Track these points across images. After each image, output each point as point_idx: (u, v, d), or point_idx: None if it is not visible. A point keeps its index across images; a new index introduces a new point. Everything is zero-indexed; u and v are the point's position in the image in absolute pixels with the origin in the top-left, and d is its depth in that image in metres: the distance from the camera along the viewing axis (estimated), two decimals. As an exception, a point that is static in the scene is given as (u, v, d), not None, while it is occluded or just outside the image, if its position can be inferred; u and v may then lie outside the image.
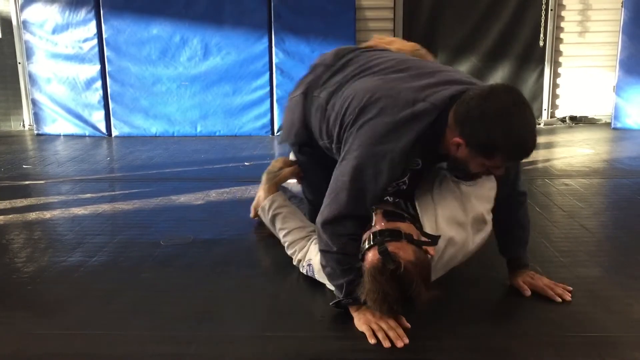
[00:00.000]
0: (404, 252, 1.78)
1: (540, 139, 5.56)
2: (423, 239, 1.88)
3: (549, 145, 5.34)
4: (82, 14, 5.76)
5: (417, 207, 2.04)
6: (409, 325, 1.87)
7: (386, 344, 1.81)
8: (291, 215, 2.54)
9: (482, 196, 2.05)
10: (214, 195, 3.67)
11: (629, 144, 5.30)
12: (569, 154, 4.83)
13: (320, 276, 2.15)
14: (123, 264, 2.56)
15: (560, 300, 2.08)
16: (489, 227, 2.08)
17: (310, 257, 2.26)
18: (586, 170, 4.19)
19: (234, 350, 1.84)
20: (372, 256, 1.81)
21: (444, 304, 1.98)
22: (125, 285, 2.35)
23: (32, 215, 3.29)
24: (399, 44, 2.53)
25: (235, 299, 2.21)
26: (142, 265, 2.54)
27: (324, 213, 1.98)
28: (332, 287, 2.08)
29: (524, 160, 1.98)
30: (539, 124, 6.24)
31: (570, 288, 2.14)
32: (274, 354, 1.82)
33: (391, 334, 1.83)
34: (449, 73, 2.09)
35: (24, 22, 5.88)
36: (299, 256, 2.37)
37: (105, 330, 1.98)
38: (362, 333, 1.88)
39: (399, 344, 1.80)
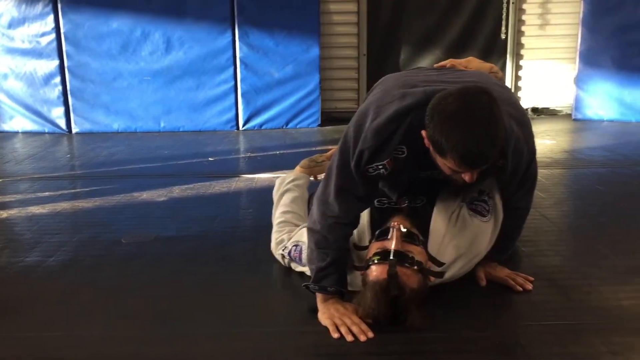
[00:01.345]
0: (411, 280, 1.80)
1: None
2: (430, 266, 1.90)
3: (511, 137, 5.40)
4: (39, 7, 5.61)
5: (430, 228, 2.04)
6: (370, 320, 1.87)
7: (349, 338, 1.81)
8: (301, 201, 2.55)
9: (487, 237, 2.08)
10: (177, 191, 3.62)
11: (589, 135, 5.41)
12: (531, 145, 4.89)
13: (305, 260, 2.13)
14: (83, 263, 2.50)
15: (521, 289, 2.11)
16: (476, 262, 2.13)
17: (298, 239, 2.23)
18: (547, 161, 4.26)
19: (198, 349, 1.82)
20: (379, 273, 1.81)
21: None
22: (85, 285, 2.30)
23: (-12, 215, 3.20)
24: (475, 65, 2.41)
25: (198, 297, 2.18)
26: (102, 264, 2.49)
27: (319, 189, 2.02)
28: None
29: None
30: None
31: (532, 278, 2.17)
32: (239, 351, 1.80)
33: (354, 329, 1.83)
34: (474, 77, 2.04)
35: (-22, 16, 5.70)
36: (284, 236, 2.34)
37: (64, 331, 1.93)
38: (326, 328, 1.87)
39: (362, 338, 1.80)
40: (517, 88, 6.41)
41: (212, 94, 5.86)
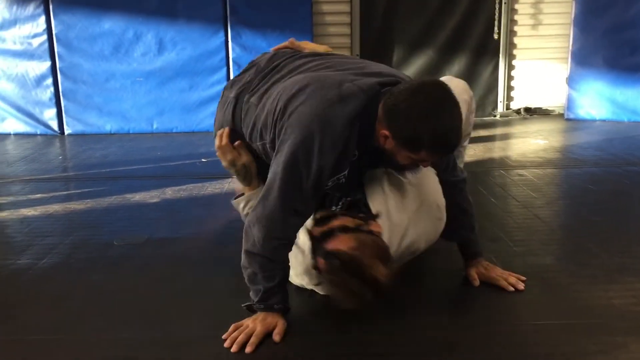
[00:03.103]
0: (343, 243, 1.81)
1: (496, 131, 5.67)
2: (358, 221, 1.91)
3: (504, 137, 5.42)
4: (31, 8, 5.59)
5: (372, 210, 2.03)
6: (278, 339, 1.84)
7: (234, 348, 1.80)
8: None
9: (430, 179, 2.11)
10: (170, 192, 3.61)
11: (581, 134, 5.42)
12: (524, 145, 4.92)
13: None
14: (74, 266, 2.49)
15: (512, 289, 2.11)
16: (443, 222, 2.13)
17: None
18: (540, 161, 4.27)
19: (187, 352, 1.81)
20: (320, 265, 1.86)
21: (394, 296, 1.94)
22: (75, 288, 2.29)
23: (-21, 218, 3.18)
24: (311, 47, 2.60)
25: (188, 299, 2.17)
26: (93, 267, 2.48)
27: (257, 209, 1.87)
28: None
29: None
30: (495, 116, 6.33)
31: (524, 277, 2.17)
32: (229, 354, 1.79)
33: (240, 338, 1.82)
34: (374, 66, 2.11)
35: (-31, 18, 5.67)
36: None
37: (53, 335, 1.92)
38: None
39: (247, 350, 1.79)
40: (510, 88, 6.43)
41: (205, 95, 5.85)
